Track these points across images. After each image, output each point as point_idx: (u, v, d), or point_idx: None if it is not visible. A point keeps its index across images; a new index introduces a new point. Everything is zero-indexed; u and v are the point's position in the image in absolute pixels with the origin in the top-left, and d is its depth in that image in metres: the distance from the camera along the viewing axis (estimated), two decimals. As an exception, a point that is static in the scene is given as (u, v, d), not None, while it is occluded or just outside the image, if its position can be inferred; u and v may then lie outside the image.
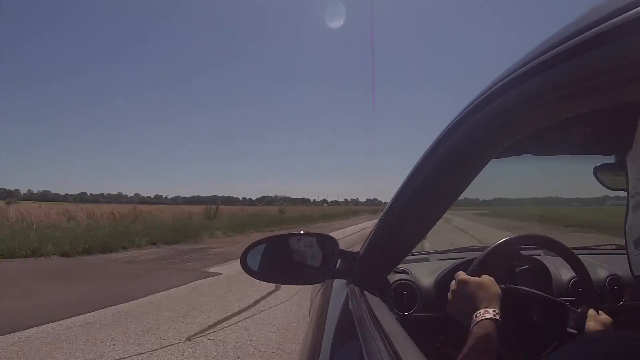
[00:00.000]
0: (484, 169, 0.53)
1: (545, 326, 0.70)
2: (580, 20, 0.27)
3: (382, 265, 0.79)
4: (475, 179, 0.55)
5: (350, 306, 0.73)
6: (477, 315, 0.58)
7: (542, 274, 0.95)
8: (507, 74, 0.36)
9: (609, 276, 1.02)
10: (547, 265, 0.97)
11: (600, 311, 0.72)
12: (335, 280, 0.99)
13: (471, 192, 0.59)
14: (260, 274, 0.85)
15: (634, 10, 0.23)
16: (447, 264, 1.02)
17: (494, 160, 0.53)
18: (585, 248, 1.38)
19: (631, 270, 0.43)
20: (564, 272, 1.00)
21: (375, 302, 0.69)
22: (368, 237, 0.79)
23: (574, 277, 0.96)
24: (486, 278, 0.67)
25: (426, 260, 1.19)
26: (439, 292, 0.96)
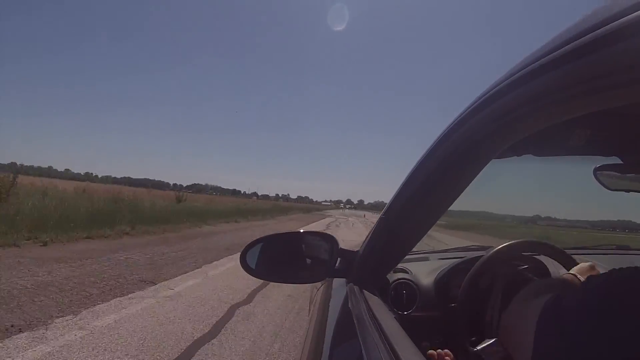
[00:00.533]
0: (484, 169, 0.53)
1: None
2: (582, 23, 0.27)
3: (382, 264, 0.79)
4: (475, 179, 0.55)
5: (349, 305, 0.73)
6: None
7: (541, 274, 0.95)
8: (509, 75, 0.37)
9: None
10: (546, 265, 0.98)
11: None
12: (334, 279, 1.00)
13: (471, 192, 0.59)
14: (259, 273, 0.85)
15: (635, 14, 0.23)
16: (446, 264, 1.03)
17: (494, 161, 0.53)
18: (585, 248, 1.39)
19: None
20: (563, 272, 1.00)
21: (374, 301, 0.69)
22: (368, 236, 0.79)
23: None
24: None
25: (426, 259, 1.19)
26: (438, 292, 0.96)
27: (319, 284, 1.21)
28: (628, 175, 0.77)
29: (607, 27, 0.24)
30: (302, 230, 0.89)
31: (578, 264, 0.81)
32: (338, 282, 0.95)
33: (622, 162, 0.74)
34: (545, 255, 1.08)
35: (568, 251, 0.90)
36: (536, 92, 0.33)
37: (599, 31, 0.25)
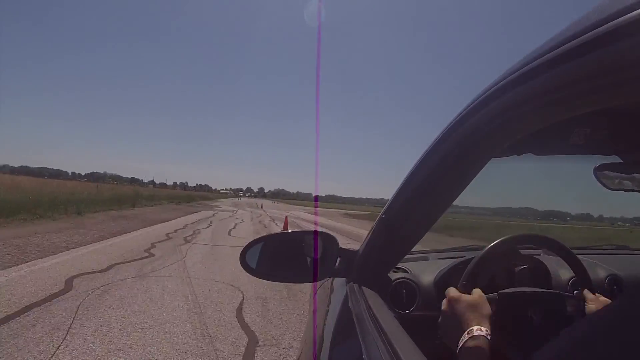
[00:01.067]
0: (484, 168, 0.53)
1: (546, 320, 0.70)
2: (582, 21, 0.27)
3: (382, 263, 0.79)
4: (475, 178, 0.55)
5: (349, 304, 0.73)
6: (469, 332, 0.57)
7: (541, 273, 0.95)
8: (509, 74, 0.36)
9: (608, 276, 1.02)
10: (546, 264, 0.98)
11: (597, 294, 0.72)
12: (334, 278, 1.00)
13: (471, 191, 0.59)
14: (259, 272, 0.85)
15: (634, 12, 0.23)
16: (446, 263, 1.03)
17: (494, 160, 0.53)
18: (584, 248, 1.38)
19: None
20: (563, 272, 1.00)
21: (374, 300, 0.69)
22: (368, 236, 0.79)
23: (573, 277, 0.96)
24: (477, 295, 0.65)
25: (426, 259, 1.19)
26: (438, 291, 0.96)
27: (318, 283, 1.21)
28: (628, 174, 0.77)
29: (607, 25, 0.24)
30: (302, 230, 0.89)
31: (579, 261, 0.81)
32: (338, 282, 0.95)
33: (622, 161, 0.74)
34: (542, 248, 1.08)
35: None
36: (536, 91, 0.33)
37: (598, 29, 0.25)
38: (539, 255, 1.09)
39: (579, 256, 0.81)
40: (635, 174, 0.76)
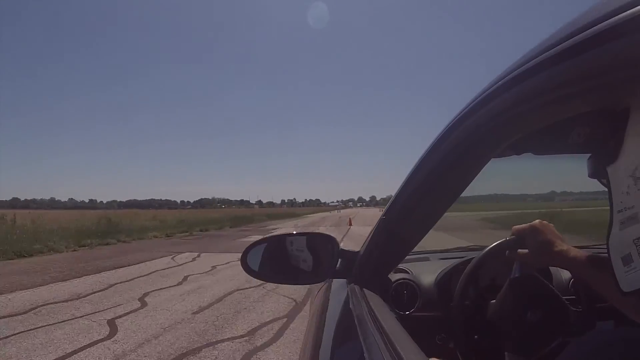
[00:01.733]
0: (484, 168, 0.53)
1: (546, 321, 0.71)
2: (579, 20, 0.27)
3: (383, 264, 0.79)
4: (476, 178, 0.55)
5: (350, 305, 0.73)
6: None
7: (542, 273, 0.95)
8: (507, 73, 0.36)
9: None
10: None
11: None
12: (335, 279, 0.99)
13: (471, 191, 0.59)
14: (260, 274, 0.85)
15: (632, 10, 0.23)
16: (447, 264, 1.02)
17: (494, 160, 0.53)
18: (585, 247, 1.38)
19: (618, 287, 0.43)
20: (564, 272, 1.00)
21: (375, 301, 0.69)
22: (368, 237, 0.79)
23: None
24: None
25: (426, 259, 1.19)
26: (439, 292, 0.96)
27: (319, 284, 1.20)
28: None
29: (607, 22, 0.24)
30: (302, 232, 0.89)
31: None
32: (339, 283, 0.95)
33: None
34: None
35: None
36: (535, 90, 0.33)
37: (598, 27, 0.25)
38: None
39: None
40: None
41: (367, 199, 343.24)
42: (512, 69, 0.35)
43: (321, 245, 0.84)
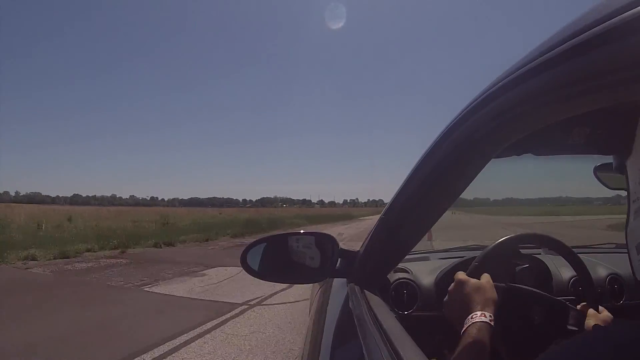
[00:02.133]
0: (484, 169, 0.53)
1: (546, 324, 0.70)
2: (581, 20, 0.27)
3: (382, 264, 0.79)
4: (476, 178, 0.55)
5: (350, 305, 0.73)
6: (473, 317, 0.58)
7: (542, 273, 0.95)
8: (508, 74, 0.36)
9: (609, 275, 1.02)
10: (547, 264, 0.98)
11: (600, 307, 0.72)
12: (335, 279, 1.00)
13: (471, 191, 0.59)
14: (260, 273, 0.85)
15: (634, 10, 0.23)
16: (447, 263, 1.03)
17: (494, 160, 0.53)
18: (585, 247, 1.38)
19: (634, 274, 0.43)
20: (564, 271, 1.00)
21: (375, 301, 0.69)
22: (368, 236, 0.79)
23: (574, 276, 0.96)
24: (485, 280, 0.66)
25: (426, 259, 1.19)
26: (439, 291, 0.96)
27: (319, 284, 1.21)
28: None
29: (607, 23, 0.24)
30: (302, 231, 0.89)
31: (580, 260, 0.80)
32: (338, 282, 0.95)
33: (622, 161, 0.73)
34: (544, 247, 1.08)
35: None
36: (535, 90, 0.33)
37: (598, 28, 0.25)
38: (539, 254, 1.09)
39: (579, 255, 0.81)
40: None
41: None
42: (513, 70, 0.35)
43: (321, 244, 0.84)
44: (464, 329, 0.57)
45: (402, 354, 0.46)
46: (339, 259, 0.83)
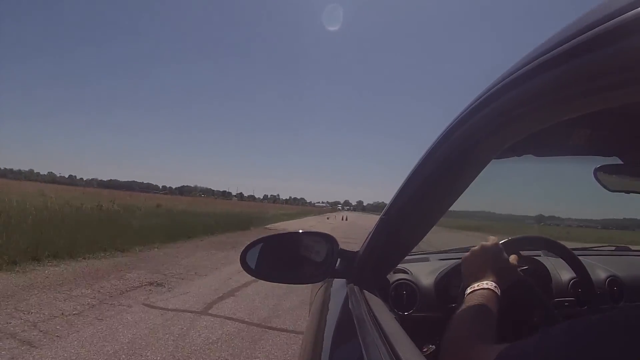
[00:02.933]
0: (484, 170, 0.53)
1: (546, 326, 0.70)
2: (581, 21, 0.27)
3: (382, 264, 0.79)
4: (476, 179, 0.55)
5: (349, 306, 0.73)
6: (481, 284, 0.57)
7: (542, 275, 0.95)
8: (508, 74, 0.36)
9: (608, 277, 1.02)
10: (546, 266, 0.97)
11: None
12: (334, 279, 0.99)
13: (471, 192, 0.59)
14: (259, 273, 0.85)
15: (634, 11, 0.23)
16: (446, 264, 1.02)
17: (495, 161, 0.53)
18: (584, 249, 1.38)
19: None
20: (563, 273, 1.00)
21: (374, 301, 0.69)
22: (368, 237, 0.79)
23: (574, 278, 0.96)
24: (512, 257, 0.67)
25: (426, 260, 1.19)
26: (438, 292, 0.96)
27: (318, 284, 1.20)
28: (628, 175, 0.77)
29: (606, 24, 0.24)
30: (301, 231, 0.88)
31: (580, 262, 0.80)
32: (338, 283, 0.94)
33: (622, 162, 0.73)
34: (544, 250, 1.08)
35: None
36: (536, 92, 0.33)
37: (598, 29, 0.25)
38: (539, 256, 1.08)
39: (579, 257, 0.81)
40: (635, 175, 0.76)
41: (354, 203, 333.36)
42: (513, 71, 0.35)
43: (321, 244, 0.84)
44: (467, 291, 0.57)
45: (401, 354, 0.46)
46: (339, 259, 0.83)
